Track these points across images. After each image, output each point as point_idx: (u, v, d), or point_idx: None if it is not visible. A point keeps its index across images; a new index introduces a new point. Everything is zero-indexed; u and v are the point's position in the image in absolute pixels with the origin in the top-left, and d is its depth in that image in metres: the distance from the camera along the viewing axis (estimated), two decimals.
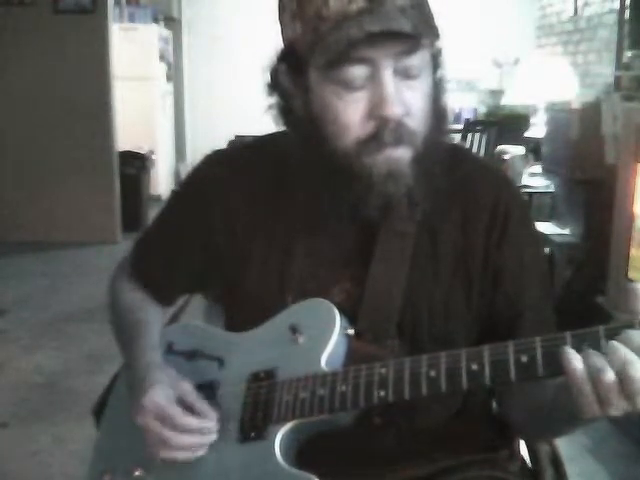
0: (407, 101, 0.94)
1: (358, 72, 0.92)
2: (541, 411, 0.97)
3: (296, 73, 0.97)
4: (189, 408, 0.98)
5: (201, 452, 0.98)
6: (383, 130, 0.93)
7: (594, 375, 0.78)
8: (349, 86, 0.93)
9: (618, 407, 0.78)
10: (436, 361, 0.87)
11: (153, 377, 1.00)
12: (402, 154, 0.95)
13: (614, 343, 0.78)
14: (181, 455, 0.98)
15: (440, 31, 0.96)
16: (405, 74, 0.93)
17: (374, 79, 0.92)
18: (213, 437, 0.98)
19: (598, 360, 0.78)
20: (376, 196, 0.95)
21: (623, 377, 0.76)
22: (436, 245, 1.03)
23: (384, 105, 0.92)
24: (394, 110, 0.92)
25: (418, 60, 0.93)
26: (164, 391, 0.98)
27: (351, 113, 0.94)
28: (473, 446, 1.07)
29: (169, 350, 1.10)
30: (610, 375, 0.77)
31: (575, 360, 0.78)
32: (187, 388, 1.00)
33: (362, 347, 0.98)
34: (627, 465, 2.49)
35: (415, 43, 0.91)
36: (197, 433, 0.97)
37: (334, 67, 0.91)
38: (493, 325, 1.03)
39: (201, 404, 0.99)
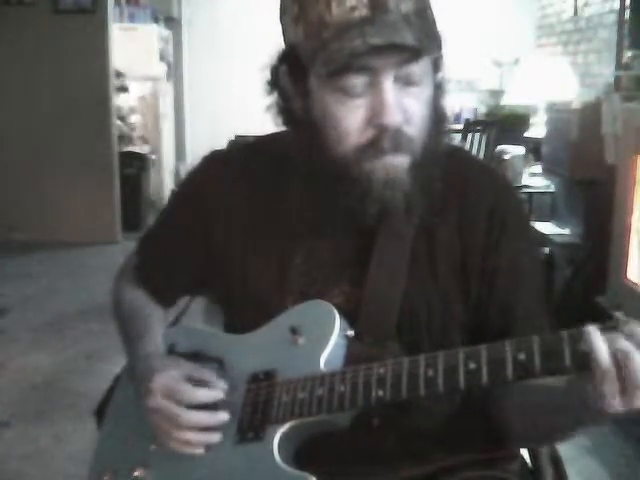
0: (407, 108, 0.94)
1: (359, 80, 0.92)
2: (541, 414, 0.95)
3: (297, 76, 0.97)
4: (197, 384, 0.98)
5: (214, 438, 0.97)
6: (382, 137, 0.93)
7: (619, 359, 0.75)
8: (349, 93, 0.93)
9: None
10: (434, 360, 0.87)
11: (156, 364, 1.02)
12: (400, 161, 0.95)
13: (634, 326, 0.76)
14: (194, 437, 0.97)
15: (442, 37, 0.96)
16: (406, 81, 0.94)
17: (374, 87, 0.92)
18: (225, 416, 0.98)
19: (625, 343, 0.76)
20: (373, 202, 0.96)
21: None
22: (434, 247, 1.03)
23: (384, 113, 0.92)
24: (393, 118, 0.92)
25: (420, 67, 0.93)
26: (169, 372, 1.00)
27: (351, 120, 0.94)
28: (473, 446, 1.06)
29: (171, 351, 1.11)
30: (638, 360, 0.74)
31: (600, 341, 0.76)
32: (192, 366, 1.02)
33: (361, 348, 0.98)
34: (627, 465, 2.49)
35: (417, 52, 0.91)
36: (209, 408, 0.97)
37: (335, 75, 0.92)
38: (486, 332, 1.01)
39: (209, 374, 1.00)
